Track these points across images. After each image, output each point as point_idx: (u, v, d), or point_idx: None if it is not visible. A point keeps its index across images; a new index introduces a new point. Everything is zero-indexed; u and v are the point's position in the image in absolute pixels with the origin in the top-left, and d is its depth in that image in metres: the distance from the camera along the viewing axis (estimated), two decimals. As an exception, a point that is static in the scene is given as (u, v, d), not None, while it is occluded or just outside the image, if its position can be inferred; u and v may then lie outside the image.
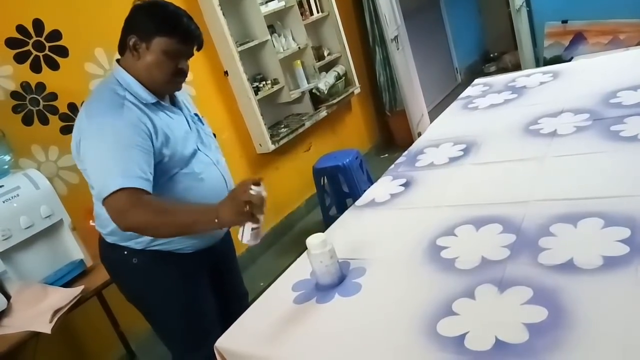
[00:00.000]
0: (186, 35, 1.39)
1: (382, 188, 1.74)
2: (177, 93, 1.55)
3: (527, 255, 1.13)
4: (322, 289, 1.25)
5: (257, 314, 1.27)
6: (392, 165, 1.91)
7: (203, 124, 1.61)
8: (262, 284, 2.79)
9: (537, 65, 4.02)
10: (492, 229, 1.28)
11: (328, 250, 1.23)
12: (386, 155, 4.48)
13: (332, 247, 1.24)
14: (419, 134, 2.77)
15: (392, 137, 4.70)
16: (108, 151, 1.31)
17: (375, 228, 1.51)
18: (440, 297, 1.09)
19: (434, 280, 1.16)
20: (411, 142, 2.17)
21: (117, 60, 1.47)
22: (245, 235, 1.24)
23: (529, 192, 1.40)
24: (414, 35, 4.67)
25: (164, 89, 1.47)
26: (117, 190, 1.27)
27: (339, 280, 1.26)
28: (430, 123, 2.34)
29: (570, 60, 3.63)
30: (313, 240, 1.23)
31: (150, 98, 1.42)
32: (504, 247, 1.19)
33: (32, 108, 2.36)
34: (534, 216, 1.27)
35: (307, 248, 1.24)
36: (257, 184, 1.22)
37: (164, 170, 1.41)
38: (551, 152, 1.59)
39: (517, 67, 4.27)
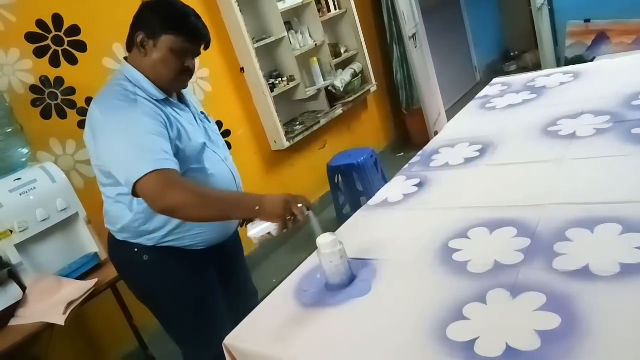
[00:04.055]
0: (193, 34, 1.40)
1: (395, 188, 1.72)
2: (183, 91, 1.55)
3: (541, 260, 1.11)
4: (332, 289, 1.24)
5: (267, 312, 1.27)
6: (407, 165, 1.89)
7: (210, 122, 1.61)
8: (274, 280, 2.79)
9: (559, 65, 3.95)
10: (506, 232, 1.26)
11: (338, 250, 1.21)
12: (402, 154, 4.45)
13: (342, 246, 1.22)
14: (436, 133, 2.74)
15: (409, 135, 4.66)
16: (131, 140, 1.30)
17: (387, 228, 1.49)
18: (450, 300, 1.07)
19: (445, 283, 1.14)
20: (428, 141, 2.14)
21: (125, 58, 1.48)
22: (257, 232, 1.26)
23: (545, 195, 1.37)
24: (433, 33, 4.63)
25: (170, 86, 1.47)
26: (150, 173, 1.26)
27: (348, 280, 1.24)
28: (448, 122, 2.31)
29: (592, 60, 3.55)
30: (323, 239, 1.22)
31: (159, 94, 1.43)
32: (518, 251, 1.16)
33: (50, 102, 2.40)
34: (549, 220, 1.24)
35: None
36: (309, 209, 1.28)
37: None
38: (570, 155, 1.55)
39: (538, 66, 4.21)
